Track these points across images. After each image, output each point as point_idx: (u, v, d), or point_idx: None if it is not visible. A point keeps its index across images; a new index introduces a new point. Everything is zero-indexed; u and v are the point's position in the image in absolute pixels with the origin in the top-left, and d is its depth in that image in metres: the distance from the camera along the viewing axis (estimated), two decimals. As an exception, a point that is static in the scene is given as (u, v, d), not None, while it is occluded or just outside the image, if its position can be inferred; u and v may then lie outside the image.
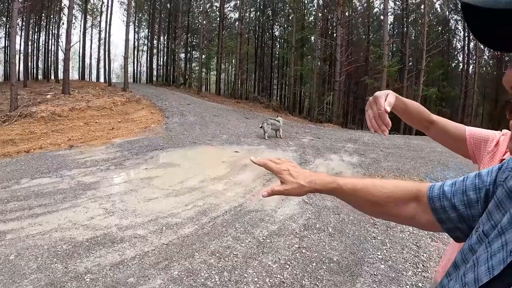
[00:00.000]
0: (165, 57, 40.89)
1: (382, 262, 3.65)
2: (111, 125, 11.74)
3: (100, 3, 35.36)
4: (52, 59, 31.69)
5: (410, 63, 28.62)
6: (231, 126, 13.67)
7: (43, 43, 32.26)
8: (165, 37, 40.26)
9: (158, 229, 4.23)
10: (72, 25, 19.66)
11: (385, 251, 3.92)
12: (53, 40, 31.93)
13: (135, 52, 41.97)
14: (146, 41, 42.14)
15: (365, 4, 31.95)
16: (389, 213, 0.84)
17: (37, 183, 5.87)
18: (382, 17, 25.79)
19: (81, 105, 13.02)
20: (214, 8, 35.87)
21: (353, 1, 30.91)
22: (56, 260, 3.37)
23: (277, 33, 38.35)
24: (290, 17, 31.72)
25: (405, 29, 29.75)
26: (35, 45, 31.45)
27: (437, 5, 30.51)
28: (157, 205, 5.09)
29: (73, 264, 3.32)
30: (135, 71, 43.79)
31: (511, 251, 0.51)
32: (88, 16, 35.33)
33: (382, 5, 25.90)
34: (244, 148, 9.76)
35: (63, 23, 30.06)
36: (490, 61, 29.54)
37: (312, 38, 31.34)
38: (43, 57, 32.49)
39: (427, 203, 0.77)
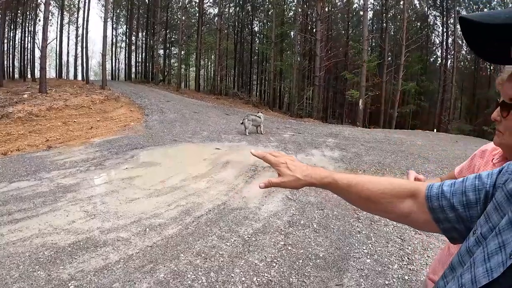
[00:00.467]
0: (143, 54, 40.37)
1: (368, 256, 3.69)
2: (89, 124, 11.49)
3: (78, -1, 34.53)
4: (29, 57, 30.89)
5: (389, 58, 29.10)
6: (212, 122, 13.59)
7: (19, 40, 31.25)
8: (144, 33, 39.76)
9: (142, 231, 4.15)
10: (49, 21, 19.16)
11: (370, 245, 3.96)
12: (29, 37, 31.09)
13: (113, 49, 41.26)
14: (124, 38, 41.54)
15: (345, 0, 32.20)
16: (384, 210, 0.83)
17: (15, 187, 5.67)
18: (361, 12, 26.08)
19: (58, 104, 12.68)
20: (193, 3, 35.51)
21: (333, -4, 31.17)
22: (38, 267, 3.26)
23: (256, 29, 38.38)
24: (270, 12, 31.72)
25: (385, 24, 30.21)
26: (11, 43, 30.45)
27: (416, 1, 31.04)
28: (139, 206, 5.00)
29: (56, 271, 3.21)
30: (113, 68, 43.07)
31: (511, 253, 0.51)
32: (65, 12, 34.50)
33: (361, 1, 26.22)
34: (225, 144, 9.71)
35: (39, 20, 29.11)
36: (468, 56, 30.28)
37: (292, 33, 31.46)
38: (19, 55, 31.47)
39: (424, 202, 0.76)
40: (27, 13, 30.12)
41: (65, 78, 34.05)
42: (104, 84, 19.85)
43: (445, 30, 29.47)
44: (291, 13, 32.85)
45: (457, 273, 0.62)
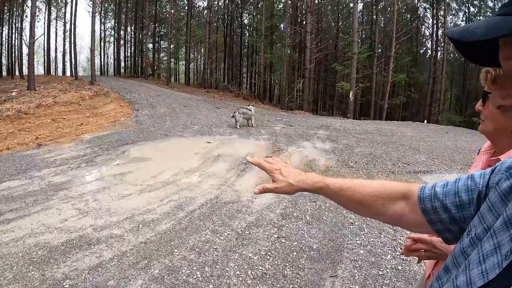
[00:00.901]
0: (132, 48, 39.93)
1: (361, 248, 3.74)
2: (79, 120, 11.35)
3: (65, -6, 33.96)
4: (16, 54, 30.22)
5: (380, 50, 29.16)
6: (202, 116, 13.53)
7: (6, 37, 30.56)
8: (132, 28, 39.23)
9: (135, 227, 4.14)
10: (36, 17, 18.78)
11: (363, 236, 4.00)
12: (16, 34, 30.41)
13: (102, 44, 40.71)
14: (112, 32, 41.00)
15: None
16: (376, 212, 0.83)
17: (6, 187, 5.59)
18: (351, 4, 26.05)
19: (47, 101, 12.52)
20: (182, -4, 35.15)
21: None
22: (32, 267, 3.23)
23: (246, 21, 38.18)
24: (259, 5, 31.48)
25: (375, 16, 30.20)
26: (-3, 40, 29.85)
27: (406, -7, 31.06)
28: (131, 202, 4.97)
29: (50, 270, 3.19)
30: (102, 63, 42.53)
31: (506, 255, 0.50)
32: (52, 8, 33.91)
33: (352, -7, 26.13)
34: (216, 138, 9.68)
35: (26, 16, 28.58)
36: (458, 48, 30.50)
37: (282, 25, 31.34)
38: (6, 53, 30.77)
39: (417, 204, 0.76)
40: (14, 9, 29.48)
41: (54, 74, 33.56)
42: (93, 80, 19.63)
43: (435, 22, 29.59)
44: (281, 6, 32.63)
45: (451, 275, 0.62)
